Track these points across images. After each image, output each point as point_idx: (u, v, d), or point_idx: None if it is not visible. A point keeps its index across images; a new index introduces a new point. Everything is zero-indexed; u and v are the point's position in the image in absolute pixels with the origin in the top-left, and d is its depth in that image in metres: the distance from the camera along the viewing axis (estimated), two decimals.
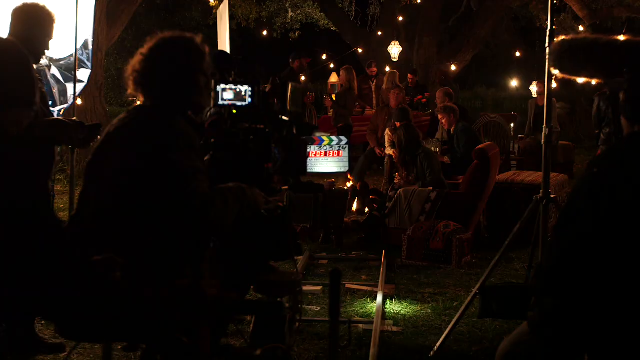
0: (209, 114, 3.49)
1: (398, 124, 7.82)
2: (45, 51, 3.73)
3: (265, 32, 17.02)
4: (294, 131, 2.91)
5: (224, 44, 6.81)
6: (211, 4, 12.22)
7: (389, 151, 7.99)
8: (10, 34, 3.65)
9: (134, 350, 3.09)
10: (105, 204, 2.33)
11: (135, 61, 2.48)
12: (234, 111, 2.79)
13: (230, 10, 8.43)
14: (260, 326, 2.64)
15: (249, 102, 2.78)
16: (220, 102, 2.77)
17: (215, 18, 9.56)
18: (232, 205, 2.38)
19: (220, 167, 2.69)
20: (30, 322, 3.67)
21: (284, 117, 2.91)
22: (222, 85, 2.76)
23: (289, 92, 2.90)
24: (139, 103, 2.51)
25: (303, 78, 10.26)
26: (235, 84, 2.77)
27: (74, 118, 4.38)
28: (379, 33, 14.18)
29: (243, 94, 2.78)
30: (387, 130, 8.14)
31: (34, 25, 3.62)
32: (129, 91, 2.49)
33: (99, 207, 2.35)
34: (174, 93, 2.46)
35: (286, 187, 2.96)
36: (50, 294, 2.12)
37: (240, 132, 2.76)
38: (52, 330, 3.72)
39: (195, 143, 2.43)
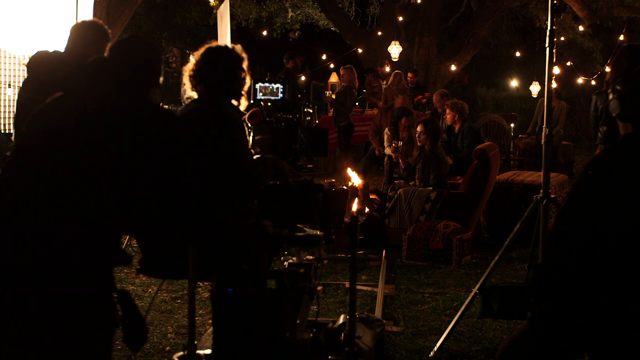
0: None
1: (401, 123, 7.83)
2: None
3: (265, 32, 17.01)
4: (316, 120, 3.38)
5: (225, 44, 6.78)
6: (211, 4, 12.20)
7: (388, 151, 7.99)
8: (67, 48, 3.88)
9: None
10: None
11: (190, 64, 3.23)
12: (269, 104, 3.61)
13: (230, 10, 8.41)
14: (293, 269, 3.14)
15: (281, 97, 3.65)
16: (258, 97, 3.57)
17: (215, 18, 9.56)
18: (270, 169, 3.16)
19: (259, 146, 3.51)
20: None
21: (309, 109, 3.36)
22: (259, 84, 3.63)
23: (311, 89, 3.35)
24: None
25: (303, 78, 10.27)
26: (269, 83, 3.66)
27: None
28: (379, 33, 14.16)
29: (275, 90, 3.65)
30: (386, 130, 8.14)
31: (90, 43, 3.79)
32: (186, 87, 3.24)
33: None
34: (221, 86, 3.17)
35: (311, 165, 3.75)
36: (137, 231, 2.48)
37: (274, 120, 3.54)
38: None
39: (242, 124, 3.17)
